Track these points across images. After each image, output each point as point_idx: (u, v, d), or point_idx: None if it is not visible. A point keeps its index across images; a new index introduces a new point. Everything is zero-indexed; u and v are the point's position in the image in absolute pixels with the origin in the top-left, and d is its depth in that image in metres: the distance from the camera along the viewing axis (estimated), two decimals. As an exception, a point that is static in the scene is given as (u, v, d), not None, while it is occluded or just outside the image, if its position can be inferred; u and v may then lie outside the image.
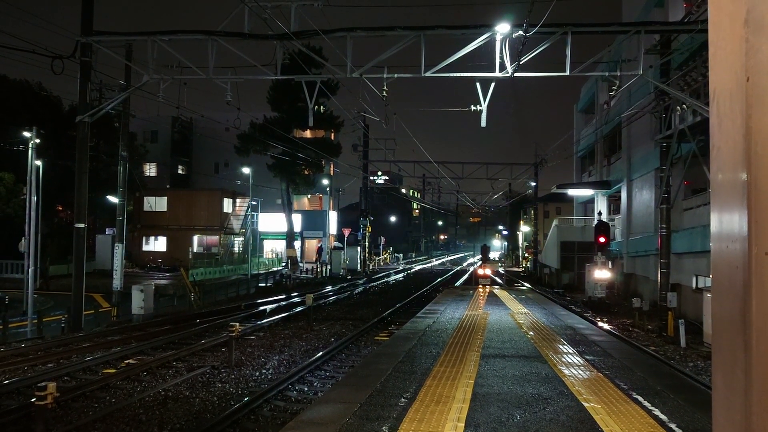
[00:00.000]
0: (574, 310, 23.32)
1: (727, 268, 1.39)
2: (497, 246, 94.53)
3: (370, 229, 54.22)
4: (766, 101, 1.28)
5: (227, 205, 52.17)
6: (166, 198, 51.87)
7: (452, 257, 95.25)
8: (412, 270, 55.73)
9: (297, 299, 26.16)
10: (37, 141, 21.81)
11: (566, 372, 9.36)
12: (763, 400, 1.29)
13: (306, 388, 11.68)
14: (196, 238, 50.93)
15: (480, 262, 40.01)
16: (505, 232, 77.29)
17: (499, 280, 42.57)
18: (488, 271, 36.47)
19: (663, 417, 6.90)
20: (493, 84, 18.19)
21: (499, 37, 16.84)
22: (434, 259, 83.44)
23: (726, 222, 1.41)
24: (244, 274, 39.70)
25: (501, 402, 7.52)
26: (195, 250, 48.82)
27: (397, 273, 50.37)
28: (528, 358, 10.53)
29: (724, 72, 1.42)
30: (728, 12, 1.38)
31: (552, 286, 39.22)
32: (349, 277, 43.60)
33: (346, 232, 53.64)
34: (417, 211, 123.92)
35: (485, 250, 35.38)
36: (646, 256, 27.80)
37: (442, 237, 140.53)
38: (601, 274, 27.26)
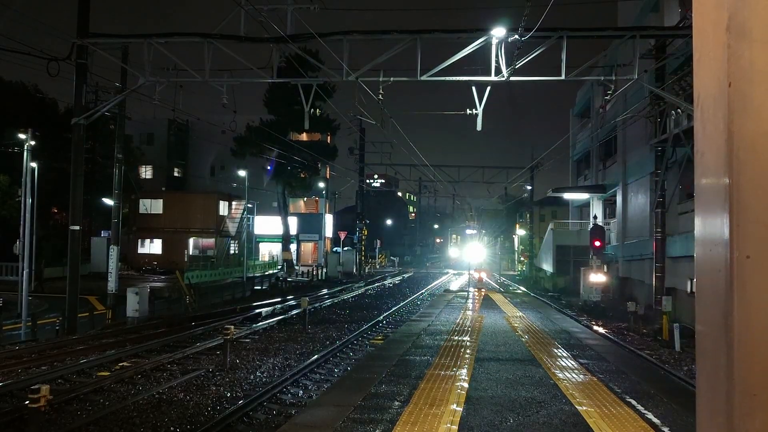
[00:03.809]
0: (569, 314, 23.35)
1: (710, 271, 1.41)
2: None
3: (366, 232, 54.21)
4: (748, 107, 1.30)
5: (223, 207, 52.11)
6: (161, 200, 51.77)
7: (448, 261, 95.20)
8: (408, 273, 55.72)
9: (292, 302, 26.12)
10: (33, 143, 21.74)
11: (560, 375, 9.38)
12: (745, 403, 1.30)
13: (300, 392, 11.67)
14: (191, 240, 50.83)
15: (475, 267, 40.04)
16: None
17: (494, 284, 42.62)
18: (484, 275, 36.51)
19: (656, 420, 6.92)
20: (488, 88, 18.23)
21: (494, 41, 16.88)
22: (429, 263, 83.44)
23: (709, 226, 1.42)
24: (240, 277, 39.63)
25: (494, 405, 7.53)
26: (191, 253, 48.73)
27: (392, 276, 50.36)
28: (522, 362, 10.54)
29: (707, 78, 1.43)
30: (711, 18, 1.40)
31: (547, 289, 39.26)
32: (344, 281, 43.57)
33: (342, 235, 53.62)
34: (413, 214, 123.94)
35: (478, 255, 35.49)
36: (642, 260, 27.84)
37: (438, 240, 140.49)
38: (597, 277, 27.30)
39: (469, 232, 77.30)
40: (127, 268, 44.27)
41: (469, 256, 39.32)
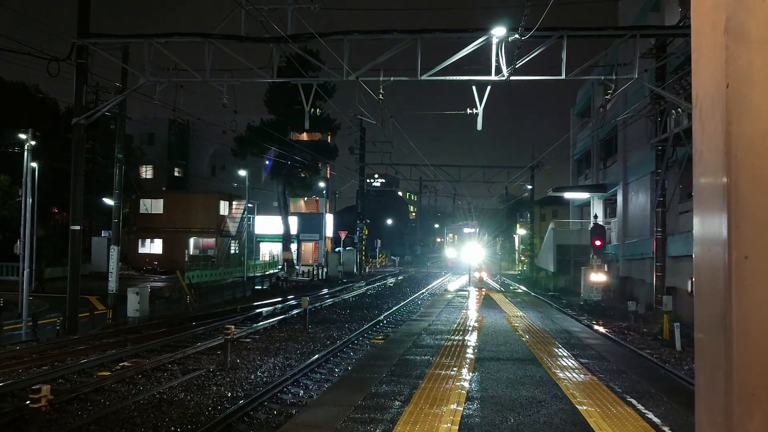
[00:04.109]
0: (569, 314, 23.36)
1: (709, 271, 1.41)
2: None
3: (366, 231, 54.21)
4: (746, 108, 1.30)
5: (224, 207, 52.11)
6: (162, 200, 51.77)
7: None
8: (409, 273, 55.74)
9: (293, 302, 26.13)
10: (33, 143, 21.74)
11: (561, 375, 9.38)
12: (744, 402, 1.31)
13: (301, 391, 11.68)
14: (192, 240, 50.84)
15: (475, 266, 40.09)
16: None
17: (495, 284, 42.62)
18: (484, 275, 36.53)
19: (656, 420, 6.92)
20: (488, 87, 18.23)
21: (495, 41, 16.88)
22: (430, 263, 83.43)
23: (707, 226, 1.42)
24: (240, 276, 39.64)
25: (495, 405, 7.53)
26: (191, 253, 48.73)
27: (393, 276, 50.37)
28: (523, 361, 10.55)
29: (706, 78, 1.44)
30: (709, 19, 1.40)
31: (548, 289, 39.26)
32: (345, 280, 43.58)
33: (343, 234, 53.61)
34: (414, 214, 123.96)
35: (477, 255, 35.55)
36: (642, 259, 27.85)
37: (438, 240, 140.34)
38: (597, 277, 27.30)
39: (467, 230, 74.24)
40: (127, 268, 44.28)
41: (467, 257, 38.85)
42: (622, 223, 32.57)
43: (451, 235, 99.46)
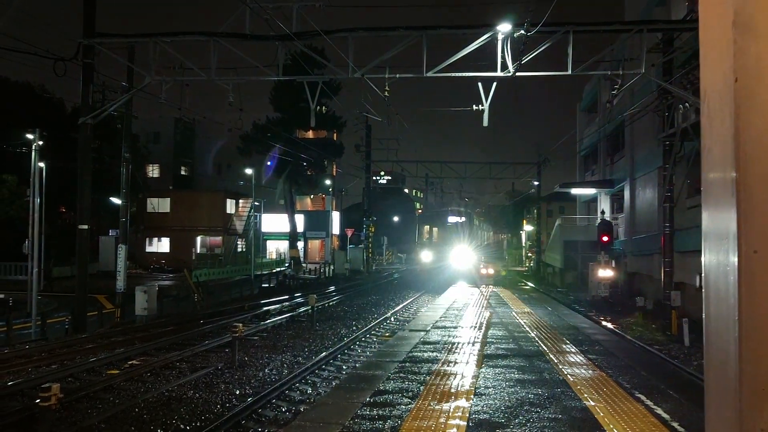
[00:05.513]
0: (577, 309, 23.32)
1: (718, 266, 1.41)
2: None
3: (373, 229, 54.21)
4: (754, 102, 1.30)
5: (230, 206, 52.24)
6: (169, 199, 51.95)
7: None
8: (415, 270, 55.68)
9: (300, 299, 26.18)
10: (40, 143, 21.84)
11: (568, 371, 9.37)
12: (754, 398, 1.31)
13: (309, 389, 11.69)
14: (199, 239, 51.00)
15: (484, 262, 40.07)
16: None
17: (502, 280, 42.56)
18: (491, 271, 36.50)
19: (665, 416, 6.90)
20: (494, 83, 18.20)
21: (500, 37, 16.83)
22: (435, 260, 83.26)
23: (716, 221, 1.42)
24: (248, 274, 39.73)
25: (502, 401, 7.53)
26: (198, 251, 48.90)
27: (400, 273, 50.38)
28: (530, 357, 10.54)
29: (713, 73, 1.43)
30: (717, 13, 1.40)
31: (555, 285, 39.18)
32: (352, 278, 43.62)
33: (349, 232, 53.61)
34: (420, 211, 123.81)
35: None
36: (650, 255, 27.73)
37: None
38: (605, 273, 27.21)
39: (452, 220, 62.88)
40: (135, 267, 44.44)
41: (457, 259, 37.44)
42: (629, 218, 32.44)
43: (427, 228, 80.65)
